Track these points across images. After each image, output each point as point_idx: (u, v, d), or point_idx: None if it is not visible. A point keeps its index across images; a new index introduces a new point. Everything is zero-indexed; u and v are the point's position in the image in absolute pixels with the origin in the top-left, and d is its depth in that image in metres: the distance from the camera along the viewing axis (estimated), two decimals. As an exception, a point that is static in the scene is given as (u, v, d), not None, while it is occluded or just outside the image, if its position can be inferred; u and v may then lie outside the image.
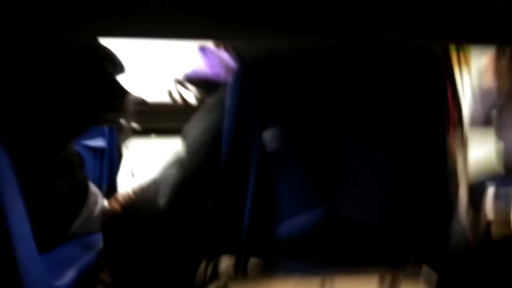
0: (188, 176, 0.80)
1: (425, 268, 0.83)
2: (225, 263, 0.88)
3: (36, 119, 0.75)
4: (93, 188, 1.12)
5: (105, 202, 1.13)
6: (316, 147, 0.76)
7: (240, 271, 0.84)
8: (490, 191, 1.98)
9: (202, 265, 0.88)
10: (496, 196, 1.94)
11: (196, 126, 0.81)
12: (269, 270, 0.84)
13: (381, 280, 1.07)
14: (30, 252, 0.69)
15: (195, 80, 1.56)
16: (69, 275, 0.79)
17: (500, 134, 1.96)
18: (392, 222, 0.80)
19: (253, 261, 0.85)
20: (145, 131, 1.77)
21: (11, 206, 0.63)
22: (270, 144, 0.77)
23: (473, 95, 1.95)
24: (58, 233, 0.93)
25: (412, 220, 0.81)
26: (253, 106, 0.76)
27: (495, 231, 1.96)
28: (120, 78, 0.86)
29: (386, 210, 0.80)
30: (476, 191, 2.05)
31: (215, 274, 0.88)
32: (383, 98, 0.76)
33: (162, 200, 0.81)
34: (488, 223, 2.00)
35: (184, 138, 0.82)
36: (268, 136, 0.77)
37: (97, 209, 1.09)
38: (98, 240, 1.02)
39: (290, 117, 0.76)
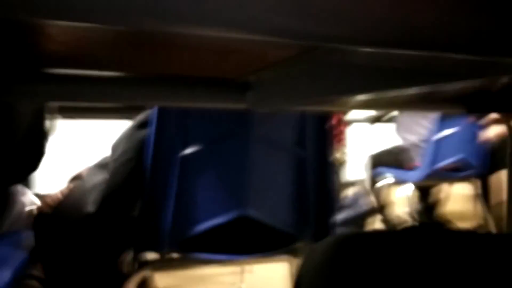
0: (115, 185, 0.91)
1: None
2: (150, 256, 1.01)
3: None
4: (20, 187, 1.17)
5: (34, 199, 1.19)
6: (230, 162, 0.90)
7: (162, 262, 0.98)
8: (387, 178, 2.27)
9: (130, 258, 1.01)
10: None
11: (124, 140, 0.92)
12: (187, 261, 0.99)
13: (289, 262, 1.26)
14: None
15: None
16: (5, 273, 0.87)
17: (397, 133, 2.25)
18: (288, 220, 0.98)
19: (174, 255, 1.00)
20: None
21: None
22: (190, 157, 0.90)
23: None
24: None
25: (303, 216, 0.99)
26: (175, 125, 0.88)
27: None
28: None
29: (285, 211, 0.97)
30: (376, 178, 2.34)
31: (141, 265, 1.01)
32: (285, 125, 0.92)
33: (91, 205, 0.91)
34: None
35: (113, 151, 0.92)
36: (189, 151, 0.90)
37: (26, 207, 1.15)
38: (29, 237, 1.09)
39: (206, 136, 0.89)
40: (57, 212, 0.98)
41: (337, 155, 1.07)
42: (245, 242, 0.99)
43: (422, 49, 0.27)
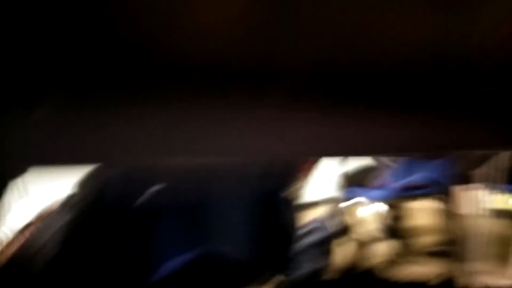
0: (79, 226, 0.91)
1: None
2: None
3: None
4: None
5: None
6: (192, 202, 0.93)
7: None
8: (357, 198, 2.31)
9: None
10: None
11: (89, 179, 0.93)
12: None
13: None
14: None
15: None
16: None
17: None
18: (252, 253, 1.01)
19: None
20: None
21: None
22: (153, 197, 0.92)
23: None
24: None
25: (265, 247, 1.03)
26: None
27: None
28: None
29: (247, 245, 1.00)
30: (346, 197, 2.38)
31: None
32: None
33: (53, 248, 0.91)
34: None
35: (78, 189, 0.93)
36: (152, 191, 0.92)
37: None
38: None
39: (170, 178, 0.91)
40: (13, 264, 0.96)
41: (297, 186, 1.11)
42: (209, 280, 1.01)
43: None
